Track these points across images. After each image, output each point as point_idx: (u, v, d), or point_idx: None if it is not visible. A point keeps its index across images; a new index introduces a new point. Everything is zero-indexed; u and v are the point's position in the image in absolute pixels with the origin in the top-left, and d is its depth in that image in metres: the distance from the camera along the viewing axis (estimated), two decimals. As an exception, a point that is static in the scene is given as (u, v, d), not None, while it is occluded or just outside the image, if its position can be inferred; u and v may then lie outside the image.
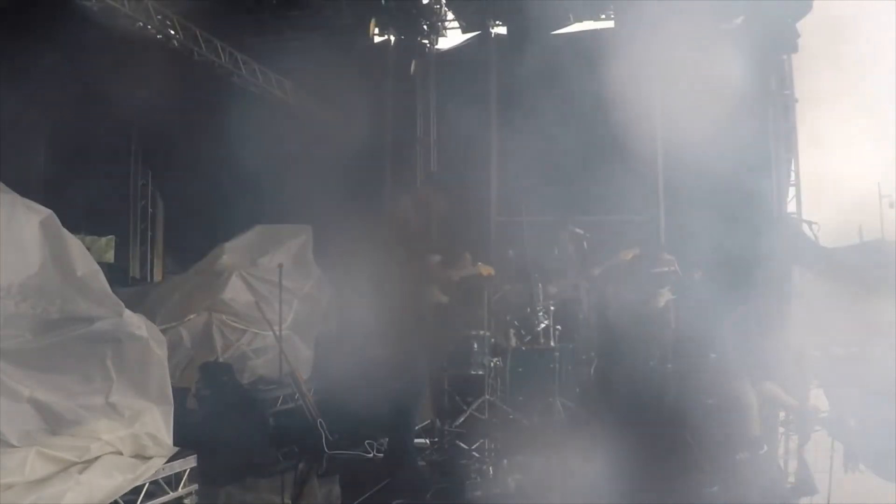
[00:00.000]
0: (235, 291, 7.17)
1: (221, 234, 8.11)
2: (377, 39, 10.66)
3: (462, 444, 5.05)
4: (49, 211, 3.89)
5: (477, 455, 4.94)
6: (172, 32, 8.39)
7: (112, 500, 3.56)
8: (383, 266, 4.41)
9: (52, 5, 6.91)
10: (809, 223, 6.97)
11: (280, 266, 7.03)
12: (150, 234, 11.72)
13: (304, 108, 10.45)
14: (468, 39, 11.44)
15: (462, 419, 5.55)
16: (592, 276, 8.24)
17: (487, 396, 5.73)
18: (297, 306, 7.48)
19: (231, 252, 7.71)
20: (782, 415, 6.64)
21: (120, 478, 3.61)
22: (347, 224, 7.18)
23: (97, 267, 4.02)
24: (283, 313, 6.92)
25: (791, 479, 4.74)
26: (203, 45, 8.90)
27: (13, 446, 3.28)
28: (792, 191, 10.41)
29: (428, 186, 4.75)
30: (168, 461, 3.97)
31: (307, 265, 8.08)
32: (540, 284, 6.85)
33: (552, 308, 6.66)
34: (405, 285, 4.38)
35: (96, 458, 3.53)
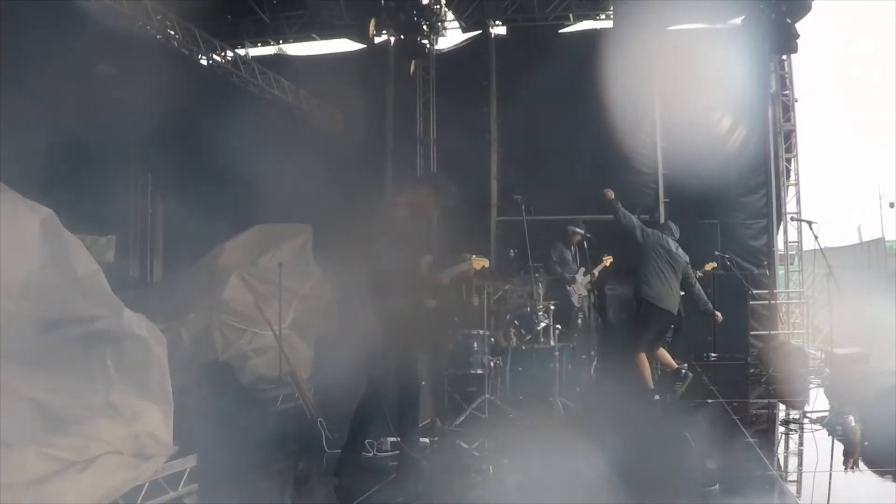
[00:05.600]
0: (235, 291, 7.16)
1: (221, 234, 8.11)
2: (377, 39, 10.67)
3: (462, 444, 5.05)
4: (49, 211, 3.88)
5: (477, 455, 4.93)
6: (172, 32, 8.40)
7: (112, 500, 3.56)
8: (379, 266, 4.40)
9: (52, 5, 6.91)
10: (809, 223, 6.96)
11: (280, 266, 7.02)
12: (150, 234, 11.73)
13: (304, 108, 10.46)
14: (468, 39, 11.46)
15: (462, 419, 5.56)
16: (593, 276, 8.34)
17: (487, 396, 5.73)
18: (296, 306, 7.47)
19: (231, 252, 7.70)
20: (782, 414, 6.66)
21: (120, 477, 3.61)
22: (347, 224, 7.17)
23: (97, 267, 4.01)
24: (283, 313, 6.91)
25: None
26: (203, 46, 8.91)
27: (13, 446, 3.28)
28: (792, 191, 10.43)
29: (425, 184, 4.74)
30: (168, 461, 3.96)
31: (307, 265, 8.08)
32: (540, 284, 6.88)
33: (552, 308, 6.68)
34: (398, 287, 4.37)
35: (96, 458, 3.52)
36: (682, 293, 8.76)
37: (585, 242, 8.43)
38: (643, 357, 6.72)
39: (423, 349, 5.24)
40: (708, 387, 7.65)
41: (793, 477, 4.76)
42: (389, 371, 4.49)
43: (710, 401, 6.92)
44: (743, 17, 9.72)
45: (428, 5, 10.57)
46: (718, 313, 7.14)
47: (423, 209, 4.75)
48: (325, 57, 11.75)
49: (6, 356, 3.44)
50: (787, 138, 10.35)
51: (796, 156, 10.39)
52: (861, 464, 4.73)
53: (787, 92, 10.37)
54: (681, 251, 6.94)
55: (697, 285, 7.04)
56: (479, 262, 4.85)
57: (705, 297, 7.08)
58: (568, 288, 8.18)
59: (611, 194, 6.86)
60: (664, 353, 6.93)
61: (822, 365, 8.26)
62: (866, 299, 7.87)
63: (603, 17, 10.84)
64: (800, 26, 8.82)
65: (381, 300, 4.42)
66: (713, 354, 9.56)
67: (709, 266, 8.84)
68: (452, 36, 11.56)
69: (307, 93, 10.40)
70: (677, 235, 7.09)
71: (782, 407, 6.93)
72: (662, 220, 10.18)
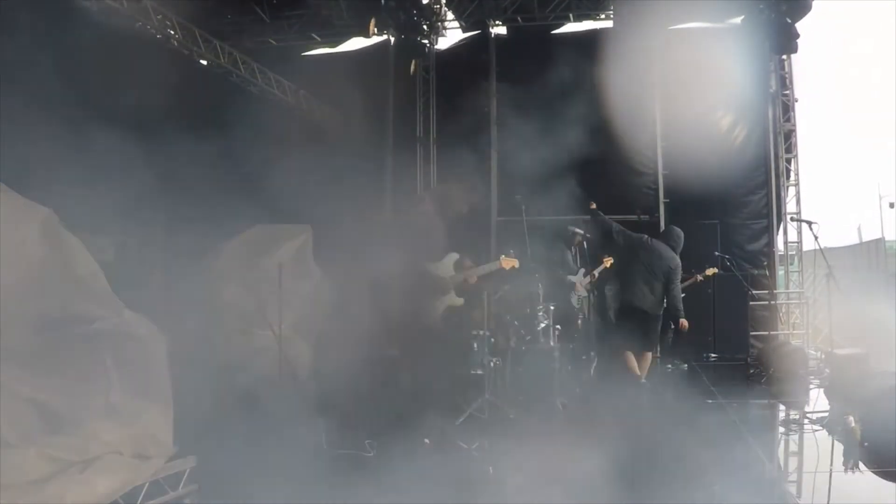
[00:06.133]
0: (235, 291, 7.15)
1: (221, 234, 8.10)
2: (377, 39, 10.67)
3: (462, 444, 5.05)
4: (49, 211, 3.89)
5: (477, 455, 4.93)
6: (172, 32, 8.40)
7: (112, 500, 3.56)
8: (390, 267, 4.38)
9: (52, 5, 6.92)
10: (809, 223, 6.96)
11: (280, 266, 7.02)
12: (150, 234, 11.69)
13: (304, 107, 10.46)
14: (468, 39, 11.46)
15: (462, 419, 5.56)
16: (593, 277, 8.35)
17: (487, 396, 5.73)
18: (297, 306, 7.46)
19: (231, 252, 7.69)
20: (782, 414, 6.66)
21: (120, 478, 3.61)
22: (347, 224, 7.18)
23: (97, 267, 4.01)
24: (283, 313, 6.91)
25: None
26: (203, 46, 8.91)
27: (13, 446, 3.28)
28: (792, 191, 10.43)
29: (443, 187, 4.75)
30: (168, 461, 3.96)
31: (307, 265, 8.07)
32: (540, 284, 6.88)
33: (552, 308, 6.68)
34: (419, 289, 4.35)
35: (96, 458, 3.53)
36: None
37: (585, 243, 8.42)
38: (628, 355, 6.86)
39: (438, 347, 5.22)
40: (708, 387, 7.65)
41: (793, 477, 4.77)
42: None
43: (709, 401, 6.92)
44: (743, 17, 9.72)
45: (428, 5, 10.57)
46: (685, 321, 7.07)
47: (450, 206, 4.71)
48: (326, 57, 11.74)
49: (6, 356, 3.44)
50: (787, 138, 10.35)
51: (796, 156, 10.38)
52: (861, 464, 4.73)
53: (787, 92, 10.37)
54: (668, 256, 7.00)
55: (674, 291, 7.02)
56: (509, 262, 4.82)
57: (678, 305, 7.03)
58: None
59: (593, 205, 7.66)
60: (644, 359, 7.13)
61: (822, 365, 8.26)
62: (866, 299, 7.86)
63: (603, 17, 10.83)
64: (800, 26, 8.82)
65: (396, 296, 4.39)
66: (713, 355, 9.56)
67: (709, 271, 8.87)
68: (452, 36, 11.57)
69: (307, 92, 10.40)
70: (675, 243, 7.17)
71: (782, 407, 6.92)
72: (663, 220, 10.21)
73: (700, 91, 9.66)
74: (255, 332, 6.99)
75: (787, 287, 10.47)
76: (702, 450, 4.91)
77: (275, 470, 4.64)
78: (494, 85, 11.17)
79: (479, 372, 5.92)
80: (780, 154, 10.27)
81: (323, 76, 10.63)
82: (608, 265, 8.55)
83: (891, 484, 4.38)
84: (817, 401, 7.02)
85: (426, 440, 5.14)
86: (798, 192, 10.41)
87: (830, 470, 4.64)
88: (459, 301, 4.47)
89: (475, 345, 6.06)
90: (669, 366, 8.75)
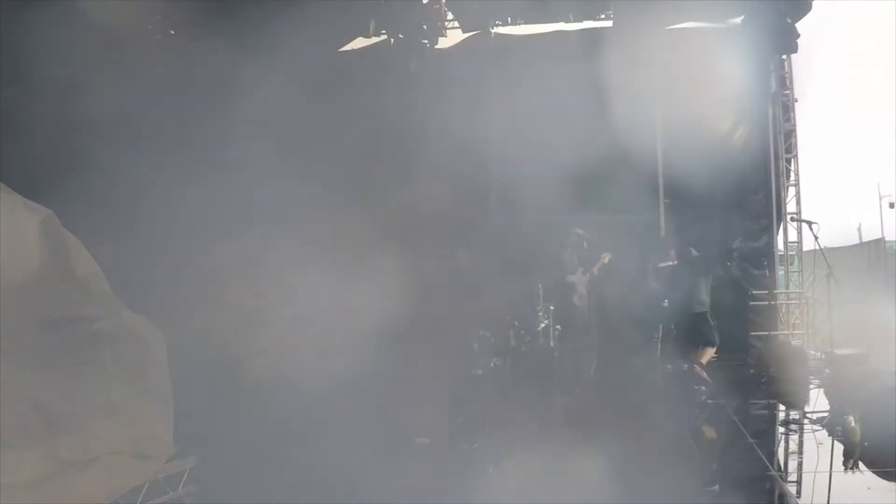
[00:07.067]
0: (235, 291, 7.16)
1: (221, 234, 8.10)
2: (377, 39, 10.67)
3: (462, 444, 5.06)
4: (49, 211, 3.89)
5: (477, 455, 4.94)
6: (172, 32, 8.41)
7: (112, 500, 3.55)
8: (387, 265, 4.38)
9: (52, 5, 6.92)
10: (809, 223, 6.97)
11: (280, 266, 7.02)
12: (149, 233, 11.68)
13: (305, 108, 10.44)
14: (468, 39, 11.46)
15: (462, 419, 5.56)
16: (592, 275, 8.35)
17: (487, 396, 5.74)
18: (296, 306, 7.46)
19: (231, 252, 7.70)
20: (782, 414, 6.66)
21: (120, 478, 3.61)
22: (348, 224, 7.18)
23: (97, 267, 4.01)
24: (286, 313, 6.91)
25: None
26: (203, 45, 8.91)
27: (13, 446, 3.28)
28: (792, 191, 10.43)
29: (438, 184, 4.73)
30: (168, 461, 3.96)
31: (306, 265, 8.07)
32: (540, 284, 6.89)
33: (552, 308, 6.69)
34: (413, 284, 4.35)
35: (96, 458, 3.52)
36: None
37: (584, 242, 8.43)
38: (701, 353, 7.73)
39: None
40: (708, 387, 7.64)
41: (793, 477, 4.77)
42: None
43: (710, 401, 6.93)
44: (743, 17, 9.72)
45: (428, 5, 10.56)
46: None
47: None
48: (326, 56, 11.72)
49: (6, 356, 3.44)
50: (787, 138, 10.34)
51: (796, 156, 10.38)
52: (861, 464, 4.73)
53: (787, 92, 10.36)
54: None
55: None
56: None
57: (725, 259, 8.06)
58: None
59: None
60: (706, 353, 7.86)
61: (822, 365, 8.26)
62: (866, 299, 7.86)
63: (603, 17, 10.83)
64: (800, 26, 8.83)
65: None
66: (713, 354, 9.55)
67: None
68: (452, 36, 11.55)
69: (308, 93, 10.39)
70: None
71: (782, 407, 6.92)
72: (663, 220, 10.22)
73: (700, 91, 9.65)
74: (254, 331, 6.99)
75: (787, 287, 10.47)
76: (701, 450, 4.91)
77: (274, 470, 4.64)
78: (494, 85, 11.16)
79: (479, 372, 5.93)
80: (780, 154, 10.27)
81: (323, 76, 10.62)
82: (606, 261, 8.53)
83: (891, 484, 4.37)
84: (817, 401, 7.01)
85: (425, 440, 5.14)
86: (798, 192, 10.41)
87: (830, 470, 4.64)
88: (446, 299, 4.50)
89: (475, 345, 6.07)
90: (670, 366, 8.74)
